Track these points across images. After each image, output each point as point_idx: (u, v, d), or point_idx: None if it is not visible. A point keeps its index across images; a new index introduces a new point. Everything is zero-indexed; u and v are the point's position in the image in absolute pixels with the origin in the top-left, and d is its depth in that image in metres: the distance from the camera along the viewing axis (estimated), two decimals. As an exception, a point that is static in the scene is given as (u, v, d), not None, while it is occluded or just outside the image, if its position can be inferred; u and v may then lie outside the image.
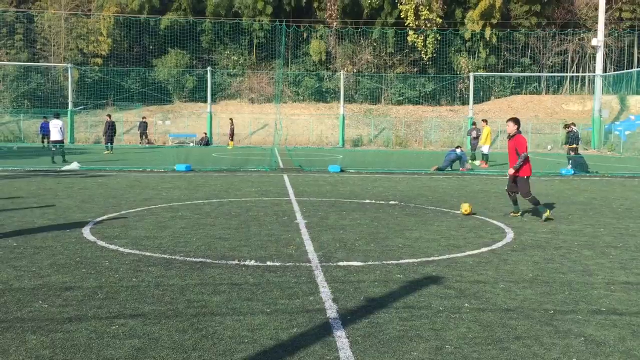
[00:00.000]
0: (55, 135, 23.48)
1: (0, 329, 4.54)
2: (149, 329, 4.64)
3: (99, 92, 46.98)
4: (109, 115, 30.82)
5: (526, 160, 10.63)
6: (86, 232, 8.67)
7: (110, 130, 29.55)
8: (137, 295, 5.52)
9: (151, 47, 51.03)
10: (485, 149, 25.62)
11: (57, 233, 8.56)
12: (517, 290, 6.00)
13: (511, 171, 10.71)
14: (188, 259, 7.07)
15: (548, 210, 10.70)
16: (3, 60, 48.31)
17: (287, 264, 6.87)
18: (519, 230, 9.56)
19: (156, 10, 50.93)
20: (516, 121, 10.88)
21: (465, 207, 11.09)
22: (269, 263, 6.90)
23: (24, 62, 47.69)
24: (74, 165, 20.11)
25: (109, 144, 29.15)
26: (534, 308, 5.42)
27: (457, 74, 52.12)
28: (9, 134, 43.65)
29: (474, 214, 11.14)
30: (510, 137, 10.78)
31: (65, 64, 44.72)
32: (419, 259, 7.29)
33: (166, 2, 52.33)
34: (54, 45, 49.69)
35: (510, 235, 9.09)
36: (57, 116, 24.78)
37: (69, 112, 40.60)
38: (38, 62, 48.54)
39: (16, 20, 48.83)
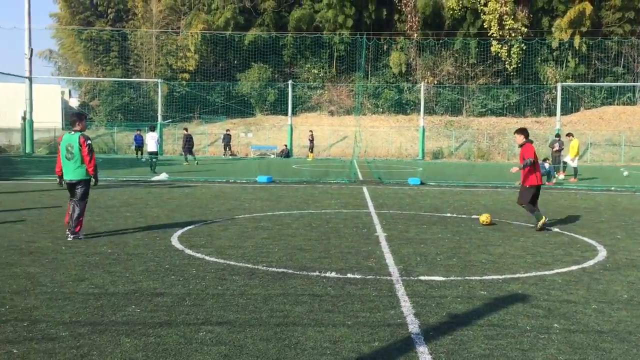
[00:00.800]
0: (151, 146, 24.93)
1: (98, 331, 4.82)
2: (235, 336, 4.77)
3: (186, 105, 48.93)
4: (186, 129, 32.04)
5: (533, 168, 10.72)
6: (174, 240, 9.03)
7: (189, 142, 30.79)
8: (223, 303, 5.68)
9: (235, 62, 52.63)
10: (573, 162, 24.62)
11: (148, 241, 8.96)
12: (611, 311, 5.71)
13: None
14: (270, 269, 7.21)
15: (544, 217, 10.66)
16: (99, 76, 51.29)
17: (368, 277, 6.86)
18: (612, 248, 9.09)
19: (241, 27, 52.52)
20: (522, 131, 11.10)
21: (483, 218, 11.21)
22: (349, 275, 6.92)
23: (118, 77, 50.44)
24: (163, 176, 21.00)
25: (188, 156, 30.27)
26: (630, 331, 5.14)
27: (543, 84, 50.35)
28: (103, 145, 46.19)
29: (494, 224, 11.11)
30: (520, 146, 11.05)
31: (156, 79, 46.92)
32: (503, 276, 7.08)
33: (250, 19, 53.86)
34: (146, 62, 52.24)
35: (602, 253, 8.66)
36: (152, 129, 26.12)
37: (158, 125, 42.48)
38: (131, 77, 51.19)
39: (112, 39, 51.78)
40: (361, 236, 9.70)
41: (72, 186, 9.26)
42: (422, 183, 20.40)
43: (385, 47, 51.38)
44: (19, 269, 6.97)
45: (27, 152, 40.54)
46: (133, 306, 5.53)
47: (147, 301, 5.71)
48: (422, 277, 6.89)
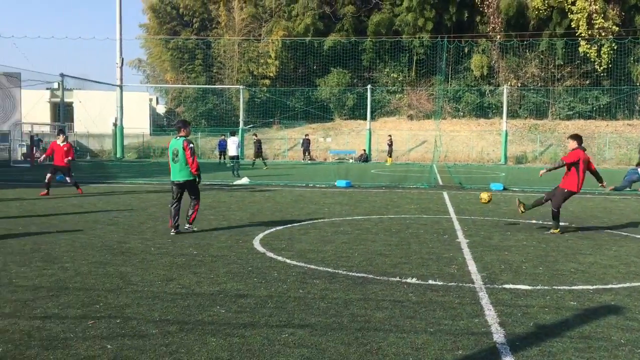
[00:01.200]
0: (233, 151, 25.70)
1: (185, 330, 4.99)
2: (316, 339, 4.80)
3: (266, 111, 49.95)
4: (255, 134, 32.63)
5: (577, 174, 10.46)
6: (256, 243, 9.22)
7: (258, 147, 31.47)
8: (304, 307, 5.74)
9: (315, 67, 53.22)
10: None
11: (231, 243, 9.20)
12: None
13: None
14: (350, 273, 7.21)
15: (559, 229, 10.55)
16: (185, 84, 53.28)
17: (450, 284, 6.73)
18: None
19: (320, 32, 53.06)
20: (576, 137, 10.84)
21: (484, 196, 11.85)
22: (430, 282, 6.82)
23: (202, 84, 52.21)
24: (244, 180, 21.51)
25: (256, 160, 30.89)
26: None
27: (636, 85, 47.67)
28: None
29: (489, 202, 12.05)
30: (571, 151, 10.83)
31: (238, 86, 48.20)
32: (594, 286, 6.75)
33: (330, 24, 54.31)
34: (228, 69, 53.79)
35: None
36: (233, 134, 26.89)
37: (240, 130, 43.59)
38: (214, 84, 52.86)
39: (196, 47, 53.69)
40: (442, 242, 9.54)
41: (179, 186, 10.17)
42: (504, 188, 19.80)
43: (466, 49, 50.35)
44: (112, 268, 7.33)
45: (117, 156, 42.68)
46: (218, 307, 5.69)
47: (232, 302, 5.86)
48: (506, 286, 6.68)
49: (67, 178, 16.77)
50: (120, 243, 9.08)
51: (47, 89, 48.72)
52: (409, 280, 6.88)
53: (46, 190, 16.20)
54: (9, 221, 11.24)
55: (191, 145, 10.05)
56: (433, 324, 5.24)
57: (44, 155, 17.58)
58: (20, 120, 39.01)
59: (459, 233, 10.47)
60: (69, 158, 16.55)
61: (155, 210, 13.21)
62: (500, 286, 6.65)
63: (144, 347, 4.57)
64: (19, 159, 37.33)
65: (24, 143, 38.47)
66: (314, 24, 53.03)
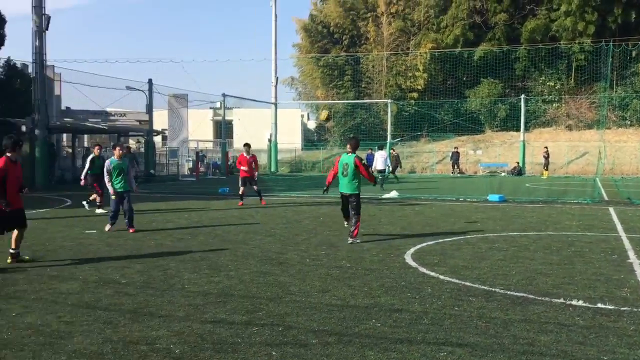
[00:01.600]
0: (380, 165, 25.91)
1: (343, 342, 5.08)
2: (476, 360, 4.66)
3: (415, 124, 49.61)
4: (393, 149, 32.42)
5: None
6: (408, 257, 9.17)
7: (397, 162, 31.42)
8: (461, 325, 5.59)
9: (464, 78, 51.98)
10: None
11: (383, 257, 9.24)
12: None
13: None
14: (509, 292, 6.91)
15: None
16: (334, 99, 54.72)
17: (622, 309, 6.18)
18: None
19: (470, 43, 51.77)
20: None
21: None
22: (599, 305, 6.31)
23: (351, 100, 53.25)
24: (393, 194, 21.52)
25: (392, 174, 30.80)
26: None
27: None
28: (337, 164, 49.00)
29: None
30: None
31: (386, 100, 48.48)
32: None
33: (480, 34, 52.82)
34: (376, 83, 54.34)
35: None
36: (381, 148, 27.12)
37: (387, 144, 43.78)
38: (362, 99, 53.65)
39: (346, 63, 54.93)
40: (610, 262, 8.80)
41: (345, 198, 11.00)
42: (683, 205, 17.81)
43: (634, 53, 46.23)
44: (271, 277, 7.70)
45: (272, 170, 44.82)
46: (374, 320, 5.73)
47: (387, 316, 5.87)
48: (691, 314, 5.99)
49: (254, 187, 18.00)
50: (278, 254, 9.51)
51: (211, 108, 52.56)
52: (574, 302, 6.43)
53: (241, 201, 17.88)
54: (180, 231, 12.26)
55: (363, 161, 10.88)
56: (606, 352, 4.84)
57: (239, 167, 18.38)
58: (187, 137, 42.48)
59: (631, 253, 9.59)
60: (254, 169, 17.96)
61: (308, 223, 13.67)
62: (683, 314, 5.98)
63: (306, 356, 4.73)
64: (186, 173, 40.63)
65: (190, 159, 41.80)
66: (464, 34, 51.87)
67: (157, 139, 43.30)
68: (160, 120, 40.99)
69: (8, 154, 8.57)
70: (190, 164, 41.28)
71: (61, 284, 7.31)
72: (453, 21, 52.44)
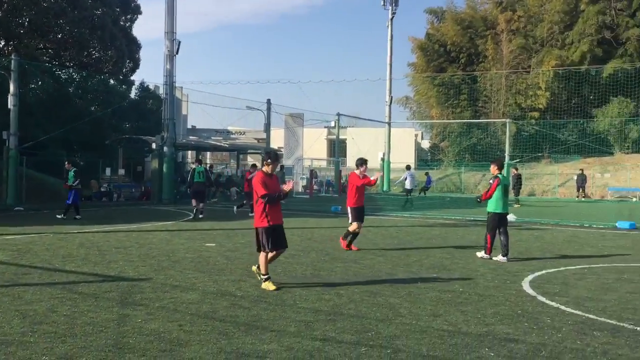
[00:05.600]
0: (409, 184, 26.52)
1: (454, 369, 4.93)
2: (599, 400, 4.32)
3: (535, 144, 47.46)
4: (516, 168, 30.98)
5: None
6: (525, 285, 8.74)
7: (518, 183, 29.89)
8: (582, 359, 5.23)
9: (591, 97, 49.08)
10: None
11: (498, 283, 8.88)
12: None
13: None
14: (638, 328, 6.37)
15: None
16: (450, 119, 53.74)
17: None
18: None
19: (598, 60, 48.88)
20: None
21: None
22: None
23: (467, 119, 52.03)
24: (511, 217, 20.60)
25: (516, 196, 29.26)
26: None
27: None
28: (451, 185, 47.95)
29: None
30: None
31: (504, 119, 46.84)
32: None
33: (610, 50, 49.73)
34: (494, 102, 52.72)
35: None
36: (408, 168, 27.55)
37: (505, 165, 42.19)
38: (479, 118, 52.23)
39: (462, 82, 53.85)
40: None
41: (504, 218, 11.75)
42: None
43: None
44: (381, 298, 7.64)
45: (384, 189, 44.68)
46: (487, 349, 5.51)
47: (501, 346, 5.63)
48: None
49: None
50: (389, 274, 9.43)
51: (325, 127, 53.61)
52: None
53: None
54: (292, 247, 12.52)
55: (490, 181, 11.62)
56: None
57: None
58: (302, 155, 43.54)
59: None
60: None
61: (419, 244, 13.46)
62: None
63: (414, 381, 4.63)
64: (300, 190, 41.59)
65: (305, 176, 42.76)
66: (591, 50, 49.06)
67: (274, 157, 44.70)
68: (277, 138, 42.38)
69: (264, 168, 8.28)
70: (305, 182, 42.21)
71: (182, 293, 7.72)
72: (580, 37, 49.84)
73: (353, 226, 12.19)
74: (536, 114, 50.39)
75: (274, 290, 7.90)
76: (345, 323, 6.35)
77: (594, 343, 5.80)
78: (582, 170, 40.33)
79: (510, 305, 7.40)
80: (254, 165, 25.08)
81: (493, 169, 11.66)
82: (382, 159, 46.81)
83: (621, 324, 6.54)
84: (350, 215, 12.41)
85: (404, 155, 51.84)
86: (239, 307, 7.00)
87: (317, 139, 48.30)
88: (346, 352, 5.33)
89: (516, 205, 28.21)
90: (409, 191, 26.91)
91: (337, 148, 44.39)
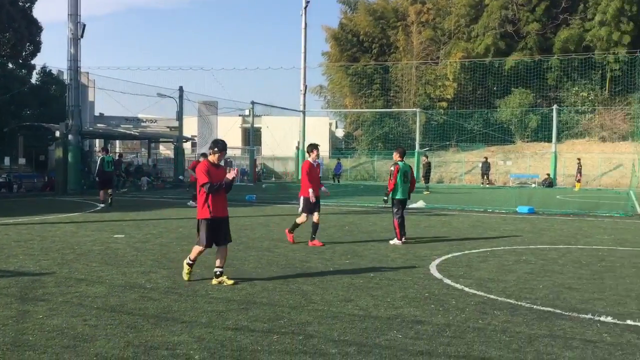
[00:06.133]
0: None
1: (363, 352, 5.05)
2: (498, 375, 4.58)
3: (443, 133, 49.26)
4: (426, 156, 32.31)
5: None
6: (433, 269, 9.08)
7: (428, 170, 31.39)
8: (484, 338, 5.51)
9: (495, 88, 51.46)
10: None
11: (408, 267, 9.17)
12: None
13: None
14: (535, 306, 6.78)
15: None
16: (363, 108, 54.67)
17: (653, 327, 6.02)
18: None
19: (501, 52, 51.29)
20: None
21: None
22: (629, 322, 6.15)
23: (379, 108, 53.14)
24: (420, 204, 21.35)
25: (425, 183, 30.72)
26: None
27: None
28: (364, 173, 48.90)
29: None
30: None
31: (414, 109, 48.28)
32: None
33: (512, 44, 52.29)
34: (405, 92, 54.15)
35: None
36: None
37: (415, 153, 43.52)
38: (391, 108, 53.51)
39: (375, 72, 54.88)
40: (642, 278, 8.58)
41: (405, 202, 12.18)
42: None
43: (673, 62, 45.17)
44: (294, 286, 7.69)
45: (299, 178, 44.95)
46: (395, 331, 5.68)
47: (408, 328, 5.82)
48: None
49: None
50: (302, 262, 9.51)
51: (239, 115, 52.98)
52: (602, 318, 6.28)
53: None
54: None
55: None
56: (633, 371, 4.72)
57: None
58: (216, 144, 42.82)
59: (663, 269, 9.34)
60: None
61: (332, 232, 13.65)
62: None
63: (324, 366, 4.71)
64: (214, 179, 40.94)
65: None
66: (495, 43, 51.40)
67: (187, 146, 43.79)
68: (191, 126, 41.50)
69: (210, 158, 7.89)
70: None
71: (88, 287, 7.42)
72: (484, 30, 52.04)
73: (302, 218, 11.48)
74: (444, 104, 52.23)
75: (187, 280, 7.74)
76: (258, 311, 6.34)
77: (494, 322, 6.11)
78: (486, 158, 42.29)
79: (418, 288, 7.66)
80: (203, 155, 24.43)
81: (396, 156, 12.18)
82: (297, 148, 46.98)
83: (519, 303, 6.93)
84: (301, 205, 11.62)
85: (318, 143, 52.19)
86: (148, 299, 6.83)
87: (231, 127, 47.62)
88: (258, 340, 5.33)
89: (425, 192, 29.18)
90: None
91: (251, 137, 44.06)
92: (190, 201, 19.49)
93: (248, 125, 47.60)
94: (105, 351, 4.97)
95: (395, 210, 11.99)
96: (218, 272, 7.78)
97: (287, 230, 11.89)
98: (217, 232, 7.79)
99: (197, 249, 7.85)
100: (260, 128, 51.55)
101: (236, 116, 51.40)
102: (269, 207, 20.56)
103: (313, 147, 11.90)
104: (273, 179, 48.33)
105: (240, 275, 8.30)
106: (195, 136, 41.75)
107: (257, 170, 43.79)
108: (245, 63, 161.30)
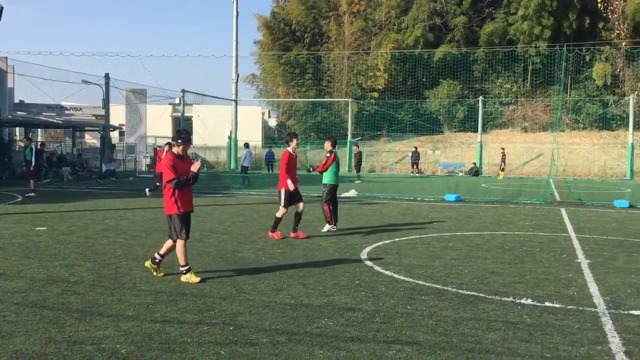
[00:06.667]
0: (247, 162, 27.29)
1: (294, 341, 5.07)
2: (424, 358, 4.71)
3: (375, 123, 49.97)
4: (357, 145, 32.90)
5: None
6: (364, 256, 9.22)
7: (359, 160, 31.92)
8: (412, 323, 5.65)
9: (424, 79, 52.63)
10: None
11: (339, 256, 9.26)
12: None
13: None
14: (460, 291, 7.01)
15: None
16: (295, 97, 54.65)
17: (568, 307, 6.35)
18: None
19: (430, 44, 52.46)
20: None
21: None
22: (547, 304, 6.47)
23: (312, 98, 53.26)
24: (352, 193, 21.61)
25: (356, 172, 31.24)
26: None
27: None
28: (298, 162, 48.93)
29: None
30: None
31: (346, 99, 48.69)
32: None
33: (440, 36, 53.56)
34: (337, 82, 54.52)
35: None
36: (247, 145, 28.18)
37: (348, 143, 43.97)
38: (323, 97, 53.74)
39: (307, 62, 54.94)
40: (560, 262, 9.03)
41: (336, 189, 12.47)
42: (631, 206, 18.42)
43: (587, 57, 47.59)
44: (226, 276, 7.63)
45: (231, 168, 44.46)
46: (326, 319, 5.74)
47: (339, 315, 5.89)
48: (633, 312, 6.19)
49: None
50: (234, 252, 9.43)
51: (170, 104, 51.78)
52: (523, 301, 6.57)
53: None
54: (135, 228, 12.03)
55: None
56: (550, 349, 4.96)
57: None
58: (145, 133, 41.75)
59: (579, 253, 9.86)
60: None
61: (266, 221, 13.58)
62: (626, 312, 6.18)
63: (255, 355, 4.69)
64: (144, 169, 39.94)
65: (148, 155, 41.10)
66: (424, 35, 52.52)
67: (115, 135, 42.43)
68: (118, 114, 40.20)
69: (174, 150, 7.58)
70: (148, 160, 40.59)
71: (7, 282, 7.08)
72: (414, 22, 53.03)
73: (281, 211, 10.92)
74: (375, 94, 52.96)
75: (199, 282, 7.20)
76: (187, 303, 6.24)
77: (422, 307, 6.28)
78: (416, 147, 43.27)
79: (349, 276, 7.76)
80: (169, 144, 23.64)
81: (328, 145, 12.38)
82: (230, 137, 46.43)
83: (446, 288, 7.15)
84: (282, 199, 11.00)
85: (251, 133, 51.79)
86: (72, 293, 6.59)
87: (161, 116, 46.49)
88: (188, 332, 5.25)
89: (357, 181, 29.58)
90: (246, 168, 27.31)
91: (182, 126, 43.15)
92: (147, 189, 19.34)
93: (179, 114, 46.57)
94: (25, 348, 4.76)
95: (326, 196, 12.11)
96: (157, 260, 7.56)
97: (270, 233, 10.99)
98: (189, 226, 7.54)
99: (180, 244, 7.44)
100: (192, 117, 50.59)
101: (166, 105, 50.21)
102: (200, 197, 20.24)
103: (292, 136, 11.32)
104: (205, 168, 47.59)
105: (169, 266, 8.13)
106: (123, 125, 40.48)
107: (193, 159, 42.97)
108: (175, 50, 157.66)
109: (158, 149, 25.13)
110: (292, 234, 11.05)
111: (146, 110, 41.16)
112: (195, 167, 7.35)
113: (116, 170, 33.17)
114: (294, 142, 11.20)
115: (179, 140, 7.55)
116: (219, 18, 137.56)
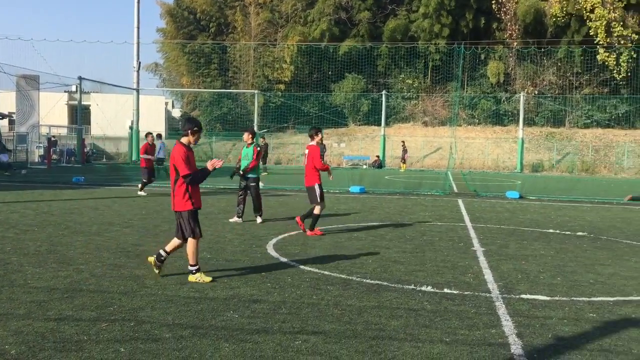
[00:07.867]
0: (162, 154, 26.47)
1: (198, 335, 4.95)
2: (330, 347, 4.75)
3: (281, 115, 50.01)
4: (263, 138, 33.07)
5: None
6: (270, 248, 9.19)
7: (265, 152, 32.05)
8: (318, 313, 5.69)
9: (330, 72, 53.24)
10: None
11: (245, 248, 9.18)
12: None
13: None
14: (365, 280, 7.15)
15: None
16: (200, 88, 53.54)
17: (465, 293, 6.65)
18: None
19: (336, 38, 53.10)
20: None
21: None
22: (446, 290, 6.73)
23: (217, 89, 52.41)
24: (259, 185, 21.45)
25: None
26: None
27: (656, 94, 47.12)
28: (202, 154, 48.04)
29: None
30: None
31: (253, 90, 48.34)
32: (614, 298, 6.62)
33: (345, 30, 54.34)
34: (244, 73, 53.98)
35: None
36: (160, 136, 27.35)
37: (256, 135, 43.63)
38: (229, 89, 53.04)
39: (212, 52, 53.95)
40: (457, 250, 9.44)
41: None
42: (521, 197, 19.62)
43: (482, 56, 50.09)
44: (126, 270, 7.33)
45: (133, 159, 42.92)
46: (231, 312, 5.66)
47: (245, 307, 5.82)
48: (524, 296, 6.58)
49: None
50: (135, 246, 9.09)
51: (65, 91, 49.16)
52: (424, 288, 6.80)
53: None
54: (26, 223, 11.31)
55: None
56: (449, 334, 5.16)
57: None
58: (38, 122, 39.39)
59: (475, 241, 10.36)
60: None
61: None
62: (517, 296, 6.56)
63: (157, 351, 4.54)
64: (36, 160, 37.70)
65: (41, 145, 38.85)
66: (330, 29, 53.08)
67: (4, 123, 39.68)
68: (7, 101, 37.65)
69: (184, 140, 6.96)
70: (42, 151, 38.34)
71: None
72: (320, 15, 53.45)
73: (318, 209, 10.70)
74: (282, 87, 52.97)
75: (210, 282, 6.77)
76: (84, 299, 5.94)
77: (327, 297, 6.34)
78: (321, 139, 43.71)
79: (255, 268, 7.70)
80: (159, 135, 21.99)
81: (247, 137, 12.22)
82: (131, 127, 44.76)
83: (351, 278, 7.26)
84: (317, 196, 10.84)
85: (154, 123, 50.18)
86: (-46, 293, 6.07)
87: (56, 104, 43.97)
88: (84, 329, 4.99)
89: (264, 173, 29.43)
90: (162, 160, 26.29)
91: (79, 115, 41.08)
92: (140, 191, 17.67)
93: (75, 102, 44.30)
94: None
95: (257, 188, 12.47)
96: (163, 257, 7.01)
97: (308, 232, 10.56)
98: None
99: (192, 244, 6.92)
100: (90, 106, 48.28)
101: (61, 92, 47.60)
102: (99, 189, 19.38)
103: (317, 130, 11.06)
104: (104, 159, 45.63)
105: (65, 262, 7.71)
106: (13, 113, 37.93)
107: (86, 150, 41.01)
108: (71, 35, 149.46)
109: (145, 143, 22.85)
110: (308, 232, 10.63)
111: (39, 98, 38.85)
112: (218, 164, 6.83)
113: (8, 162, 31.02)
114: (318, 137, 11.01)
115: (195, 129, 7.00)
116: (119, 2, 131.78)
